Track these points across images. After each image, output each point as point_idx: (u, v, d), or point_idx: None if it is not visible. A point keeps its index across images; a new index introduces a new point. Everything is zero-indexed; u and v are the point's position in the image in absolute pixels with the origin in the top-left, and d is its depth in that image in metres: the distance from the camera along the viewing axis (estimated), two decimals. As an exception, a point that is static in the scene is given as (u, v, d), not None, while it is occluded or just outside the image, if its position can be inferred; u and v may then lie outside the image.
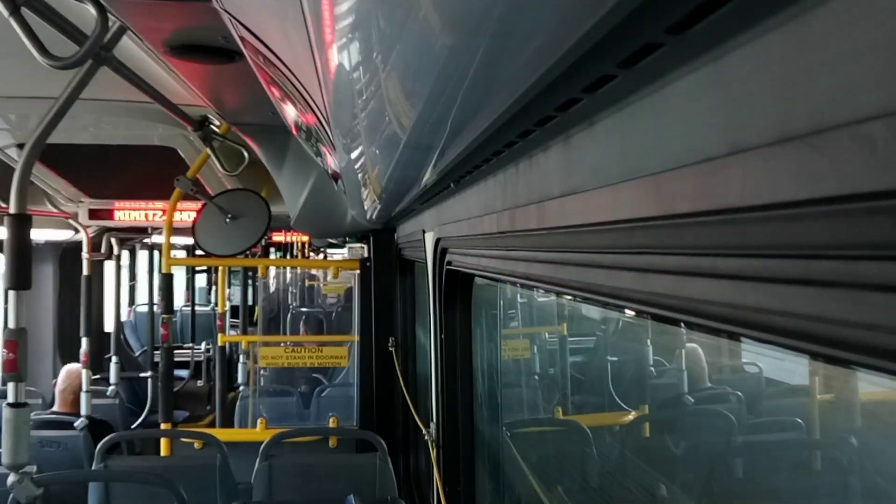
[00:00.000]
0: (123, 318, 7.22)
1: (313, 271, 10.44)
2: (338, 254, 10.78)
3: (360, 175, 1.39)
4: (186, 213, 4.48)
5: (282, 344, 4.37)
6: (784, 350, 0.40)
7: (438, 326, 2.11)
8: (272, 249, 9.47)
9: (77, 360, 4.75)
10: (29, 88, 2.48)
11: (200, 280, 10.53)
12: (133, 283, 8.42)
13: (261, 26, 0.94)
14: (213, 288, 9.54)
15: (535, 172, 0.90)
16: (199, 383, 6.86)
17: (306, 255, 9.71)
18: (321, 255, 10.97)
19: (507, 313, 2.81)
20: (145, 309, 7.50)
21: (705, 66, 0.45)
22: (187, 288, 9.22)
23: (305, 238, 8.10)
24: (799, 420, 1.80)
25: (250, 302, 7.65)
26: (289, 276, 9.35)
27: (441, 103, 0.61)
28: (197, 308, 8.65)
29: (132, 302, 8.48)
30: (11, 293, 1.86)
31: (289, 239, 8.85)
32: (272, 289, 8.68)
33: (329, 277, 10.35)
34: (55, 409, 4.41)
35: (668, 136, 0.52)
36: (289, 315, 7.71)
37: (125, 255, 7.29)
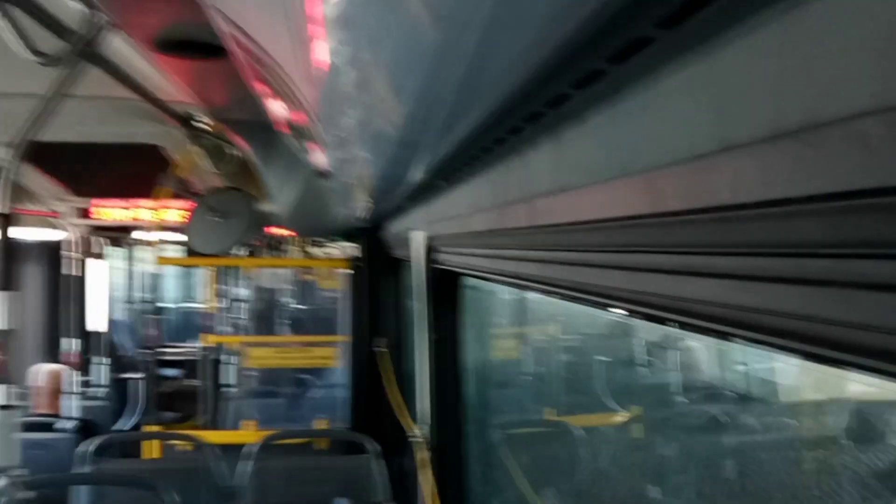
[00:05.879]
0: (116, 317, 7.14)
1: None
2: (338, 248, 10.61)
3: (348, 173, 1.38)
4: (174, 211, 4.44)
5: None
6: (777, 350, 0.40)
7: (430, 326, 2.10)
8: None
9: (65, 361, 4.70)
10: (14, 85, 2.45)
11: (197, 277, 10.42)
12: (128, 283, 8.32)
13: (248, 22, 0.93)
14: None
15: (525, 170, 0.90)
16: (194, 383, 6.79)
17: (305, 250, 9.63)
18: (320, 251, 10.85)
19: (498, 311, 2.81)
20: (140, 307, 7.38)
21: (696, 62, 0.45)
22: (183, 286, 9.13)
23: None
24: (791, 421, 1.80)
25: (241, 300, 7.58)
26: (282, 272, 9.23)
27: (430, 100, 0.60)
28: (194, 306, 8.55)
29: (129, 300, 8.38)
30: (-3, 294, 1.84)
31: (283, 233, 8.74)
32: (267, 286, 8.58)
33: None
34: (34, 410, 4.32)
35: (659, 133, 0.52)
36: (282, 314, 7.63)
37: (118, 253, 7.22)
